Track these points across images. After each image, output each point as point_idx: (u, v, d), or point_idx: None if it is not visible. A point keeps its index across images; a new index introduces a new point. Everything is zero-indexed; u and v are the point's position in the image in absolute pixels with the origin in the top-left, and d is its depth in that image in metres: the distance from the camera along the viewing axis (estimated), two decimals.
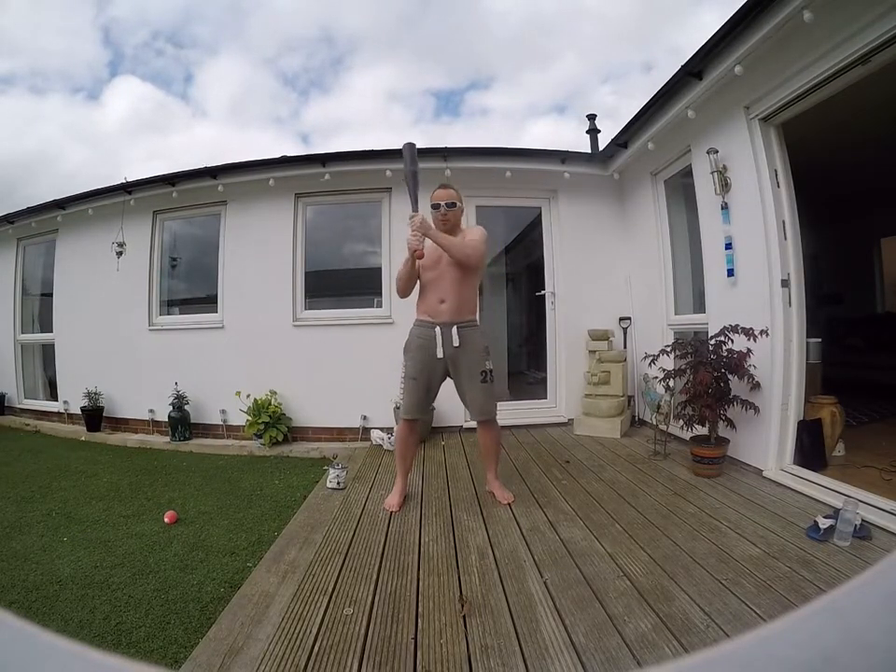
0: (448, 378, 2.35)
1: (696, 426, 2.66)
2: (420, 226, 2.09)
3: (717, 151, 2.84)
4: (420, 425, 2.41)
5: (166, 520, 2.47)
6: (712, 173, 2.87)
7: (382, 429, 3.78)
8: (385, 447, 3.54)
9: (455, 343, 2.21)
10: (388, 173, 3.86)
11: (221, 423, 4.31)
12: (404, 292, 2.30)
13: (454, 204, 2.26)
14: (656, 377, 3.01)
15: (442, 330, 2.21)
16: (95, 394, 4.67)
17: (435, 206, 2.24)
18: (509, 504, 2.29)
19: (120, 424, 4.76)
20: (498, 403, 2.38)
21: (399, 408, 2.73)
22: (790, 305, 2.61)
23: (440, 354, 2.21)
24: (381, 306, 4.23)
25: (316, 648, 1.29)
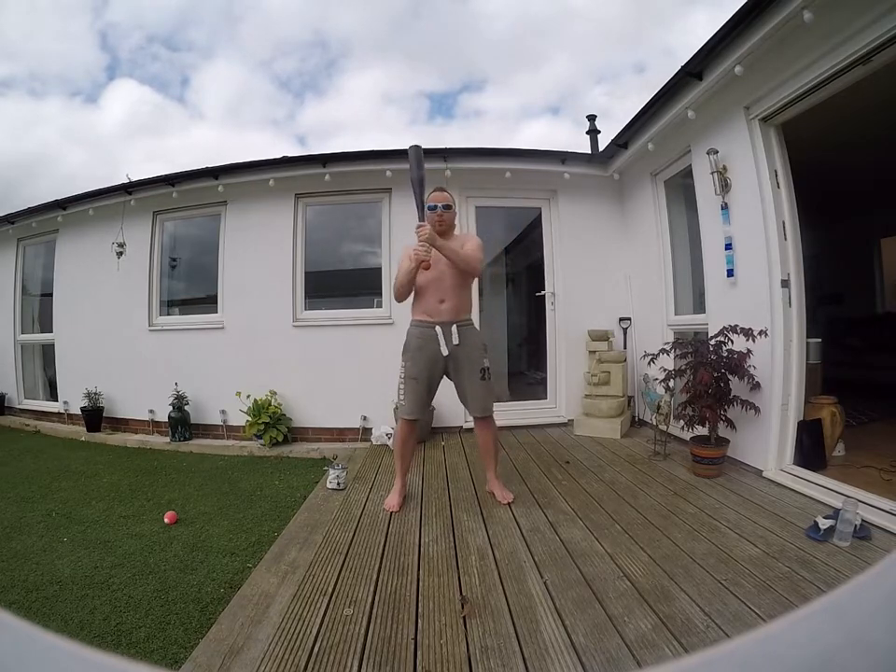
0: (446, 378, 2.36)
1: (696, 426, 2.66)
2: (428, 237, 2.10)
3: (717, 152, 2.84)
4: (420, 425, 2.42)
5: (166, 520, 2.47)
6: (712, 173, 2.87)
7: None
8: (390, 445, 3.52)
9: (455, 342, 2.25)
10: (388, 173, 3.87)
11: (221, 423, 4.31)
12: (404, 297, 2.32)
13: (449, 207, 2.30)
14: (656, 377, 3.01)
15: (443, 329, 2.25)
16: (95, 394, 4.67)
17: (431, 207, 2.26)
18: (509, 504, 2.29)
19: (120, 424, 4.75)
20: (499, 404, 2.39)
21: (399, 408, 2.73)
22: (790, 305, 2.61)
23: (444, 352, 2.25)
24: (381, 306, 4.23)
25: (316, 648, 1.29)
